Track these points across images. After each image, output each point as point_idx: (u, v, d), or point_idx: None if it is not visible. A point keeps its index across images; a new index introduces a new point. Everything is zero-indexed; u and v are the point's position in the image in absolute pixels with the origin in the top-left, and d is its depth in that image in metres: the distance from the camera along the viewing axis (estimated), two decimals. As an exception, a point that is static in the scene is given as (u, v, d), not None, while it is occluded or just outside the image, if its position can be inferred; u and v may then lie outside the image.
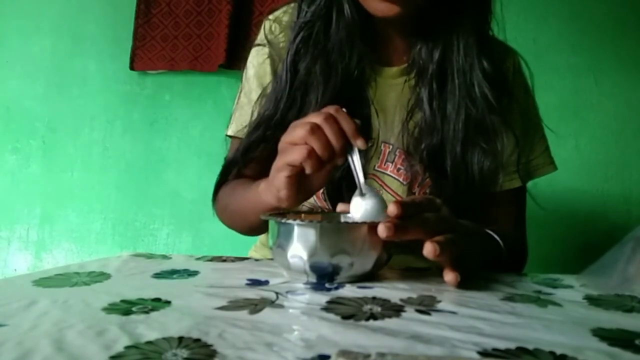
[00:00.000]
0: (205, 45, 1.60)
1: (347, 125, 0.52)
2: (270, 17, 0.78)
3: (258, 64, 0.77)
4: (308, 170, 0.52)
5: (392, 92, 0.74)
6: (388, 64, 0.75)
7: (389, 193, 0.73)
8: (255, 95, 0.76)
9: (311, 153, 0.51)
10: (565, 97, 1.53)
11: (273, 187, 0.56)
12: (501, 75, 0.72)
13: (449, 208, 0.51)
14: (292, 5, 0.76)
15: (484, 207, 0.73)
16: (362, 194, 0.52)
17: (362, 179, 0.53)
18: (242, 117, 0.78)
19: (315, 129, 0.51)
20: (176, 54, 1.61)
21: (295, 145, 0.52)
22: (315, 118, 0.52)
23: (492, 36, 0.75)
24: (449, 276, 0.47)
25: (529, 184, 0.79)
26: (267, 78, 0.76)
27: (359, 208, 0.52)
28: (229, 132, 0.79)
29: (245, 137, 0.73)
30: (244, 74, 0.79)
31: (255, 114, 0.73)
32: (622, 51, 1.53)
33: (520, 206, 0.81)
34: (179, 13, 1.61)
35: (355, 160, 0.53)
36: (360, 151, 0.53)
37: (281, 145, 0.55)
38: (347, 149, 0.52)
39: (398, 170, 0.73)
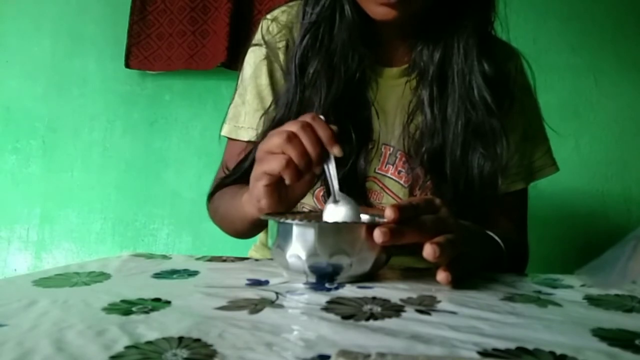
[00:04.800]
0: (200, 43, 1.58)
1: (323, 132, 0.52)
2: (269, 16, 0.77)
3: (254, 65, 0.76)
4: (288, 181, 0.52)
5: (393, 93, 0.74)
6: (389, 65, 0.75)
7: (390, 196, 0.73)
8: (250, 97, 0.76)
9: (289, 162, 0.51)
10: (565, 97, 1.53)
11: (253, 198, 0.56)
12: (503, 77, 0.71)
13: (448, 208, 0.51)
14: (291, 4, 0.76)
15: (486, 209, 0.73)
16: (335, 201, 0.53)
17: (336, 187, 0.53)
18: (235, 117, 0.78)
19: (292, 137, 0.51)
20: (172, 53, 1.59)
21: (272, 154, 0.52)
22: (291, 126, 0.52)
23: (495, 37, 0.75)
24: (441, 275, 0.47)
25: (530, 185, 0.79)
26: (264, 79, 0.75)
27: (332, 215, 0.52)
28: (223, 133, 0.79)
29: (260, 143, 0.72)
30: (240, 75, 0.79)
31: (267, 122, 0.72)
32: (622, 51, 1.53)
33: (521, 208, 0.81)
34: (173, 10, 1.59)
35: (331, 168, 0.53)
36: (337, 158, 0.53)
37: (259, 154, 0.55)
38: (324, 156, 0.52)
39: (399, 172, 0.73)
